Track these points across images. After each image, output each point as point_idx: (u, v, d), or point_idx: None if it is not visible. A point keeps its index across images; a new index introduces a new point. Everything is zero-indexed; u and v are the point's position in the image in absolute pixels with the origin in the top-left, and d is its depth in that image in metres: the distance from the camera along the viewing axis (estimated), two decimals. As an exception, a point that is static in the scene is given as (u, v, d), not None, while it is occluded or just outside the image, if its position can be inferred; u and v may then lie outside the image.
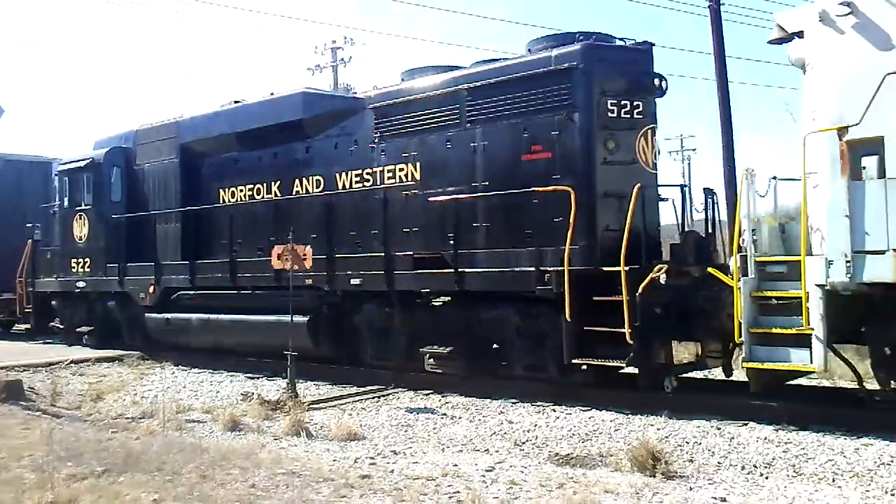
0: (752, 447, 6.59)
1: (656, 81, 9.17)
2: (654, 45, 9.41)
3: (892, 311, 6.90)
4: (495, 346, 9.70)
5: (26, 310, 16.65)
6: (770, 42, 7.82)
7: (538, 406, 8.68)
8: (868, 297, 6.98)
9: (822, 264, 6.93)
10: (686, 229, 9.36)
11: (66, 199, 15.54)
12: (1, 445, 6.84)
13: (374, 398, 9.76)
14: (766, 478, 5.91)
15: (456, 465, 6.23)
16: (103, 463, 6.10)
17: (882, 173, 6.72)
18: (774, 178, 7.99)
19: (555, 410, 8.43)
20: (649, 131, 9.17)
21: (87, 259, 14.99)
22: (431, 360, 10.18)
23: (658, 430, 7.40)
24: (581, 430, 7.59)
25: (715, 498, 5.36)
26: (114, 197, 14.63)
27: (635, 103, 9.04)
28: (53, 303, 15.97)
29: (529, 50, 10.02)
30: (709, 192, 9.27)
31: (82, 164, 15.13)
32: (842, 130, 6.86)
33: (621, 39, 9.64)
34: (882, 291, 6.83)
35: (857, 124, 6.76)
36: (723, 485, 5.70)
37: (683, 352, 9.07)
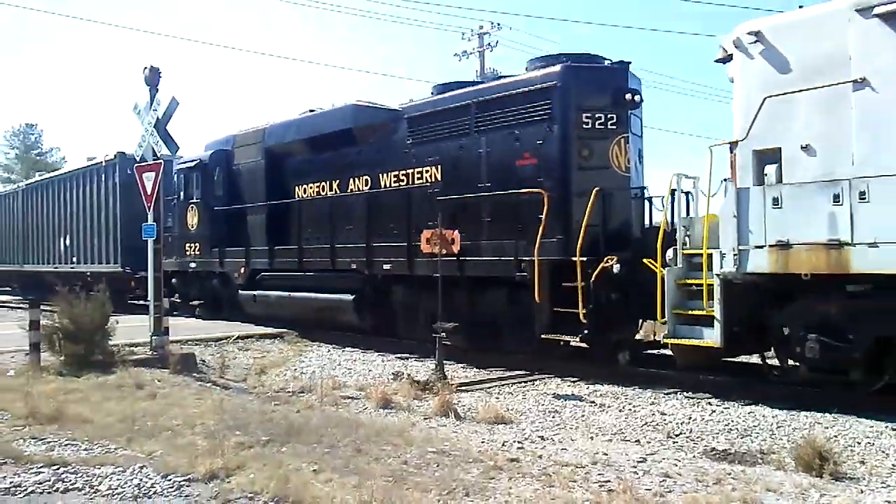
0: (936, 453, 6.03)
1: (628, 96, 10.41)
2: (630, 63, 10.80)
3: (781, 297, 8.10)
4: (489, 321, 11.23)
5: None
6: (715, 61, 8.83)
7: (693, 398, 8.39)
8: (757, 284, 8.16)
9: (718, 257, 8.23)
10: (649, 225, 10.44)
11: (181, 193, 18.16)
12: (177, 414, 7.38)
13: (520, 383, 9.77)
14: (951, 486, 5.39)
15: (606, 455, 6.10)
16: (267, 433, 6.44)
17: (779, 179, 7.89)
18: (725, 179, 8.62)
19: (710, 404, 8.11)
20: (622, 140, 10.46)
21: (198, 244, 17.65)
22: (442, 333, 10.98)
23: (826, 428, 6.97)
24: (740, 425, 7.24)
25: (889, 502, 4.95)
26: (217, 192, 17.13)
27: (608, 116, 10.43)
28: (173, 280, 18.01)
29: (527, 68, 11.54)
30: (672, 192, 9.84)
31: (192, 164, 17.84)
32: (733, 144, 8.30)
33: (606, 60, 11.04)
34: (766, 280, 8.04)
35: (743, 139, 8.14)
36: (899, 489, 5.26)
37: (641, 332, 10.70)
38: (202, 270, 17.51)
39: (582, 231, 9.67)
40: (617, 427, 7.31)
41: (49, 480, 5.22)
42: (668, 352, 9.28)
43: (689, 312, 8.68)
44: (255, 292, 15.60)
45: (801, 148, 7.76)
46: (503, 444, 6.46)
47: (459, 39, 34.66)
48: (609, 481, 5.27)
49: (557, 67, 10.65)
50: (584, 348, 10.59)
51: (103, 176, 23.73)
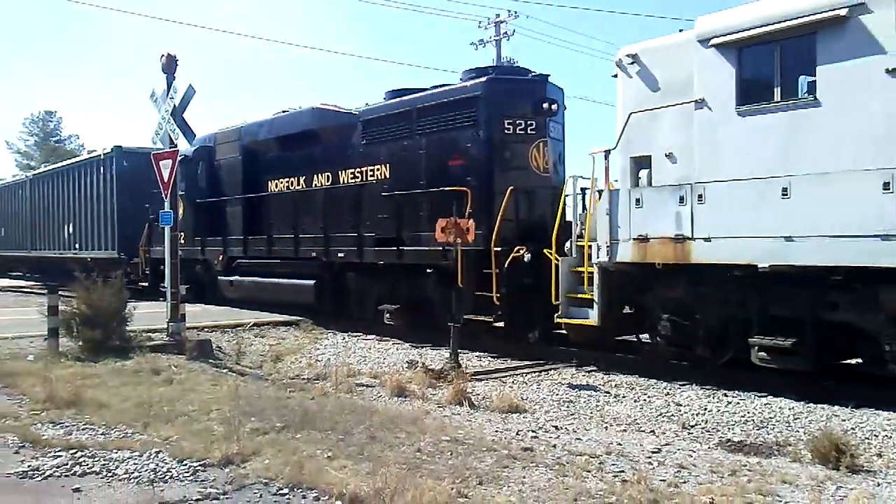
0: (955, 447, 5.97)
1: (545, 105, 11.52)
2: (548, 76, 12.18)
3: (645, 283, 9.42)
4: (426, 304, 12.55)
5: (146, 272, 20.63)
6: (612, 76, 9.77)
7: (708, 390, 8.35)
8: (626, 272, 9.34)
9: (596, 248, 9.54)
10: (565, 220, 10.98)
11: None
12: (193, 399, 7.44)
13: (534, 372, 9.76)
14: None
15: (620, 445, 6.09)
16: (283, 420, 6.48)
17: (650, 182, 9.17)
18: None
19: (726, 395, 8.07)
20: (541, 143, 11.70)
21: (182, 233, 17.61)
22: (387, 314, 13.27)
23: (843, 420, 6.93)
24: (756, 416, 7.20)
25: (906, 495, 4.91)
26: (200, 185, 18.37)
27: (528, 122, 11.65)
28: (161, 267, 18.56)
29: (461, 79, 12.77)
30: (584, 190, 10.59)
31: (178, 159, 17.34)
32: (606, 152, 9.64)
33: (530, 73, 12.36)
34: (632, 269, 9.25)
35: (614, 149, 9.54)
36: (917, 482, 5.21)
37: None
38: (186, 258, 17.63)
39: (497, 224, 10.96)
40: (631, 417, 7.29)
41: (67, 464, 5.28)
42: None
43: (578, 296, 9.88)
44: (232, 278, 16.98)
45: (665, 156, 9.02)
46: (517, 434, 6.45)
47: (476, 28, 34.48)
48: (623, 471, 5.26)
49: (483, 79, 11.98)
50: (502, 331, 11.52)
51: (102, 168, 25.14)
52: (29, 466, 5.23)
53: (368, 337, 13.06)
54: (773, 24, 7.96)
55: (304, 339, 12.93)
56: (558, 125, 12.37)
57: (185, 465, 5.26)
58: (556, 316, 10.10)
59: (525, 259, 10.56)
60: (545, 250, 10.36)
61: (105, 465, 5.28)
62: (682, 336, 9.15)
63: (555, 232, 10.26)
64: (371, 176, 13.79)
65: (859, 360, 8.48)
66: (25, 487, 4.88)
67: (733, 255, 8.23)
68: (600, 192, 9.78)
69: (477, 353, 11.09)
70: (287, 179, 15.92)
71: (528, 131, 11.71)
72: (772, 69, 8.07)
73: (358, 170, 14.04)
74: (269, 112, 17.37)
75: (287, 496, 4.65)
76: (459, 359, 9.74)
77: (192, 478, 5.02)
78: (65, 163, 32.31)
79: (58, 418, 6.67)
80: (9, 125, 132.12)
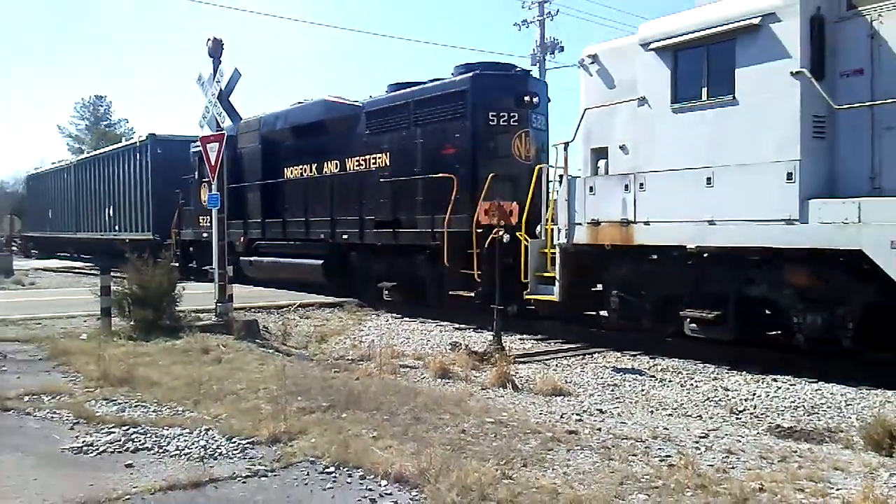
0: None
1: (527, 98, 12.65)
2: (530, 71, 13.84)
3: (602, 262, 10.33)
4: (419, 281, 13.68)
5: (176, 253, 21.48)
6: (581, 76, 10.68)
7: (756, 374, 8.21)
8: (584, 253, 10.24)
9: (556, 231, 10.54)
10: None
11: (196, 172, 20.49)
12: (241, 378, 7.57)
13: (578, 356, 9.71)
14: None
15: (666, 429, 6.02)
16: (328, 399, 6.55)
17: (607, 171, 10.18)
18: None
19: (776, 380, 7.92)
20: (523, 134, 12.63)
21: (209, 216, 18.82)
22: (386, 291, 14.48)
23: (897, 407, 6.72)
24: (806, 402, 7.06)
25: (965, 486, 4.76)
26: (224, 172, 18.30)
27: (511, 114, 12.65)
28: (190, 248, 21.40)
29: (452, 74, 13.58)
30: (560, 177, 11.02)
31: (199, 148, 19.10)
32: (565, 144, 10.68)
33: (515, 68, 13.58)
34: (587, 250, 10.19)
35: (571, 141, 10.64)
36: (977, 473, 5.04)
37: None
38: (212, 239, 18.73)
39: (478, 207, 11.44)
40: (678, 402, 7.20)
41: (120, 440, 5.41)
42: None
43: (545, 274, 10.87)
44: (252, 259, 18.17)
45: (619, 148, 9.99)
46: (561, 416, 6.42)
47: (520, 9, 34.13)
48: (669, 456, 5.20)
49: (470, 74, 12.92)
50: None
51: (138, 154, 26.98)
52: (83, 442, 5.38)
53: (412, 319, 13.12)
54: (702, 30, 8.82)
55: (348, 320, 13.05)
56: (541, 116, 13.25)
57: (234, 442, 5.35)
58: (525, 293, 11.06)
59: (504, 240, 10.97)
60: (518, 234, 11.04)
61: (157, 441, 5.40)
62: (630, 310, 10.07)
63: (524, 216, 10.95)
64: (373, 164, 14.77)
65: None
66: (81, 462, 5.02)
67: (667, 237, 9.20)
68: (562, 178, 10.67)
69: (520, 336, 11.08)
70: (300, 166, 17.02)
71: (511, 122, 12.68)
72: (701, 71, 8.91)
73: (362, 158, 15.05)
74: (294, 100, 18.48)
75: (333, 474, 4.70)
76: (502, 341, 9.72)
77: (240, 455, 5.11)
78: (105, 150, 34.39)
79: (111, 396, 6.85)
80: (61, 110, 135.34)
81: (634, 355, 9.55)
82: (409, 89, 14.33)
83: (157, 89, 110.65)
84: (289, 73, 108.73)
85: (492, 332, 9.89)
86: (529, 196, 11.24)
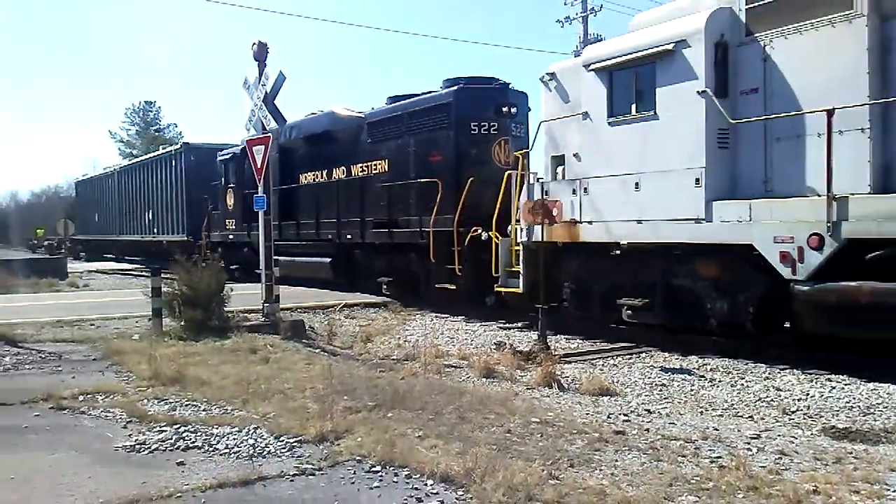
0: None
1: (505, 109, 13.97)
2: (509, 84, 14.61)
3: (557, 258, 11.25)
4: (413, 276, 15.16)
5: (206, 253, 21.84)
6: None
7: (810, 374, 8.01)
8: (544, 250, 10.65)
9: (519, 230, 11.72)
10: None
11: (222, 179, 22.89)
12: (288, 378, 7.65)
13: (625, 355, 9.58)
14: None
15: (717, 430, 5.91)
16: (374, 399, 6.58)
17: (564, 176, 11.34)
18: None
19: (830, 380, 7.72)
20: (503, 141, 13.85)
21: (234, 220, 22.38)
22: (384, 285, 15.83)
23: (959, 409, 6.49)
24: (862, 402, 6.85)
25: None
26: (244, 179, 20.82)
27: (491, 124, 13.97)
28: (219, 249, 21.87)
29: (440, 87, 14.84)
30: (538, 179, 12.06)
31: (229, 156, 22.59)
32: (522, 154, 12.06)
33: (497, 81, 14.56)
34: (545, 247, 10.68)
35: (530, 149, 12.08)
36: None
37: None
38: (237, 241, 22.15)
39: (458, 210, 13.26)
40: (728, 402, 7.05)
41: (171, 439, 5.51)
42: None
43: (512, 269, 12.04)
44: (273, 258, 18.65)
45: (573, 156, 11.09)
46: (608, 417, 6.35)
47: (562, 6, 33.91)
48: (720, 457, 5.10)
49: (454, 88, 14.28)
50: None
51: (173, 162, 29.37)
52: (136, 441, 5.49)
53: (456, 318, 13.13)
54: (631, 54, 10.00)
55: (392, 320, 13.11)
56: (520, 125, 14.37)
57: (282, 441, 5.41)
58: (496, 285, 12.29)
59: (482, 238, 12.58)
60: (490, 232, 12.51)
61: (207, 439, 5.49)
62: (581, 300, 11.18)
63: (495, 217, 12.44)
64: (374, 170, 16.26)
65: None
66: (134, 460, 5.13)
67: (605, 235, 10.46)
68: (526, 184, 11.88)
69: (566, 336, 10.99)
70: (312, 173, 18.59)
71: (491, 131, 13.93)
72: (630, 90, 10.08)
73: (364, 164, 16.58)
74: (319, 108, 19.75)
75: (380, 473, 4.72)
76: (548, 341, 9.66)
77: (288, 453, 5.17)
78: (144, 157, 37.26)
79: (162, 395, 6.99)
80: (112, 115, 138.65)
81: (683, 355, 9.39)
82: (403, 101, 15.77)
83: (204, 92, 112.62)
84: (336, 73, 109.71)
85: (536, 332, 9.84)
86: (499, 199, 12.44)
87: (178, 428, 5.79)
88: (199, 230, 25.25)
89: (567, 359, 9.25)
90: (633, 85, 10.05)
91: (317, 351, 9.94)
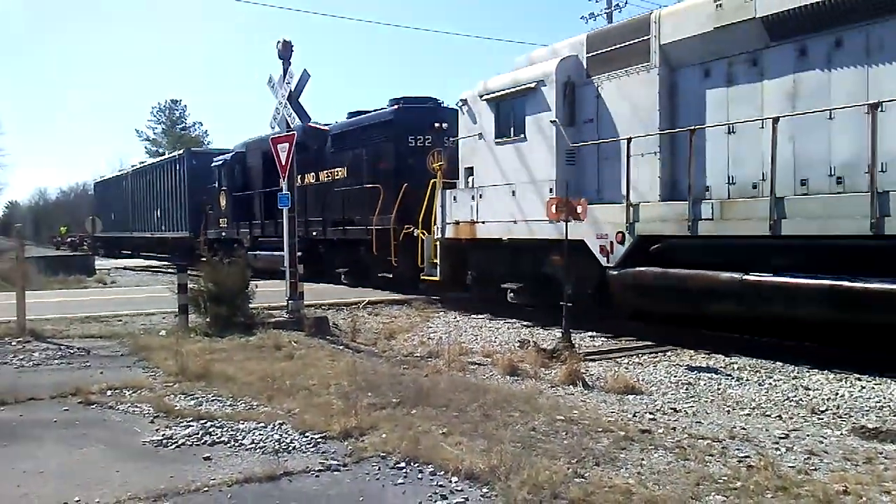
0: None
1: (437, 125, 16.38)
2: (441, 102, 17.46)
3: (464, 251, 13.91)
4: (364, 266, 17.78)
5: (205, 248, 25.10)
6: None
7: (839, 373, 7.89)
8: (455, 245, 13.91)
9: (437, 228, 14.38)
10: None
11: (216, 183, 25.58)
12: (313, 374, 7.67)
13: (650, 353, 9.51)
14: None
15: (744, 429, 5.84)
16: (398, 395, 6.58)
17: (472, 185, 13.58)
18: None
19: (860, 379, 7.60)
20: (436, 152, 15.27)
21: (225, 219, 25.18)
22: (343, 275, 18.61)
23: None
24: (892, 401, 6.74)
25: None
26: (236, 182, 24.19)
27: (426, 137, 16.51)
28: (214, 245, 24.71)
29: (386, 105, 17.67)
30: (441, 189, 14.46)
31: (222, 162, 25.33)
32: (439, 166, 14.63)
33: (431, 100, 17.47)
34: (455, 243, 13.89)
35: (443, 164, 14.72)
36: None
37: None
38: (228, 238, 24.91)
39: (395, 210, 15.99)
40: (756, 401, 6.97)
41: (197, 434, 5.55)
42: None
43: (434, 261, 14.44)
44: (256, 252, 21.82)
45: (474, 168, 13.57)
46: (634, 415, 6.31)
47: (586, 1, 33.69)
48: (748, 457, 5.04)
49: (395, 107, 17.12)
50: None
51: (177, 166, 32.57)
52: (163, 435, 5.54)
53: (479, 316, 13.12)
54: (510, 89, 12.52)
55: (415, 317, 13.12)
56: (452, 138, 15.46)
57: (307, 437, 5.43)
58: (421, 274, 14.75)
59: (414, 234, 15.16)
60: (418, 230, 15.04)
61: (233, 435, 5.52)
62: (481, 286, 13.71)
63: (421, 217, 14.94)
64: (336, 176, 18.92)
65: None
66: (161, 455, 5.17)
67: (493, 232, 12.96)
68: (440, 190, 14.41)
69: (590, 334, 10.93)
70: None
71: (426, 144, 16.33)
72: (510, 117, 12.59)
73: (329, 171, 19.32)
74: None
75: (404, 470, 4.72)
76: (572, 339, 9.60)
77: (313, 449, 5.18)
78: (153, 160, 41.54)
79: (189, 390, 7.05)
80: (139, 114, 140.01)
81: (709, 353, 9.30)
82: (359, 117, 18.63)
83: (229, 92, 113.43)
84: (364, 72, 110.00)
85: (560, 330, 9.78)
86: (425, 202, 14.84)
87: (205, 423, 5.83)
88: (199, 228, 28.17)
89: (591, 357, 9.20)
90: (511, 113, 12.57)
91: (340, 348, 9.97)
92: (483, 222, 13.09)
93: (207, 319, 10.81)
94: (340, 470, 4.78)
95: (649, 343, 10.12)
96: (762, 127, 9.13)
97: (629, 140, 10.35)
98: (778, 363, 8.54)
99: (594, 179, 11.38)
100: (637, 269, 10.19)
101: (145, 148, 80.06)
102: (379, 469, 4.76)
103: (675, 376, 8.09)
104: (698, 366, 8.63)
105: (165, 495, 4.30)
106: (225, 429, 5.67)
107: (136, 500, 4.24)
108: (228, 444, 5.33)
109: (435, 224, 14.40)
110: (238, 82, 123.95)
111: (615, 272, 10.52)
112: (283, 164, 12.13)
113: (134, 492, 4.35)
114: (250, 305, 11.26)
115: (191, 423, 5.83)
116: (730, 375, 8.10)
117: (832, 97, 8.57)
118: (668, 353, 9.45)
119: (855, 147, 8.26)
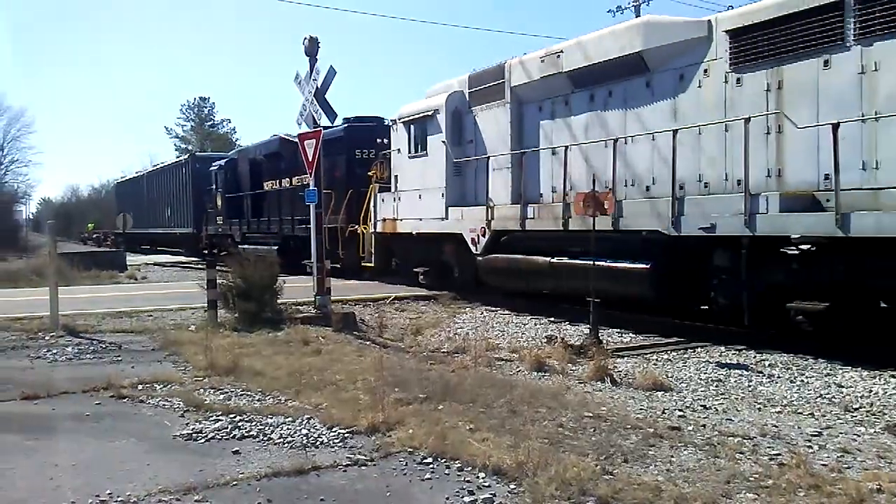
0: None
1: (379, 140, 19.44)
2: (383, 120, 20.49)
3: (392, 243, 17.77)
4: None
5: (205, 243, 30.26)
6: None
7: (873, 370, 7.75)
8: (386, 238, 17.71)
9: (372, 225, 17.95)
10: None
11: (214, 185, 29.28)
12: (340, 369, 7.71)
13: (679, 350, 9.41)
14: None
15: (776, 427, 5.75)
16: (424, 391, 6.57)
17: (398, 189, 16.91)
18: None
19: (894, 377, 7.46)
20: (380, 163, 18.12)
21: (221, 217, 28.70)
22: (308, 267, 18.60)
23: None
24: (929, 400, 6.60)
25: None
26: (230, 185, 27.77)
27: (370, 150, 19.89)
28: (213, 240, 28.91)
29: (341, 123, 20.34)
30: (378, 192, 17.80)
31: (217, 166, 29.31)
32: (372, 174, 18.10)
33: (379, 119, 21.02)
34: (385, 236, 17.64)
35: (374, 172, 18.06)
36: None
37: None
38: (223, 234, 28.50)
39: (342, 211, 19.25)
40: (787, 398, 6.86)
41: (226, 428, 5.60)
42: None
43: (371, 251, 18.01)
44: (244, 247, 24.04)
45: (401, 176, 16.75)
46: (663, 412, 6.25)
47: (613, -5, 33.40)
48: (780, 454, 4.97)
49: (346, 125, 20.57)
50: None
51: (184, 169, 37.13)
52: (193, 429, 5.59)
53: (506, 312, 13.07)
54: (417, 114, 15.95)
55: (442, 313, 13.11)
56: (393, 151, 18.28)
57: (335, 431, 5.45)
58: (362, 262, 18.25)
59: (358, 231, 18.59)
60: (359, 226, 18.61)
61: (261, 429, 5.56)
62: (403, 270, 17.47)
63: (362, 216, 18.48)
64: (304, 181, 19.97)
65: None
66: (191, 448, 5.23)
67: (408, 227, 16.30)
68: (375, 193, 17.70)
69: (618, 329, 10.84)
70: (271, 182, 24.75)
71: (371, 156, 19.54)
72: (419, 136, 15.93)
73: (299, 177, 21.32)
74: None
75: (431, 465, 4.72)
76: (599, 335, 9.54)
77: (341, 444, 5.20)
78: (165, 163, 45.74)
79: (218, 385, 7.11)
80: (168, 112, 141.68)
81: (739, 350, 9.18)
82: (327, 131, 20.75)
83: (260, 90, 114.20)
84: (388, 68, 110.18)
85: (588, 326, 9.72)
86: (366, 203, 18.27)
87: (234, 417, 5.88)
88: (201, 224, 31.86)
89: (620, 353, 9.13)
90: (420, 133, 15.89)
91: (367, 343, 10.00)
92: (402, 219, 16.52)
93: (236, 315, 10.90)
94: (368, 465, 4.79)
95: (679, 339, 10.02)
96: (570, 149, 12.33)
97: (488, 158, 14.10)
98: (810, 360, 8.42)
99: (472, 187, 14.85)
100: (492, 255, 13.70)
101: (175, 145, 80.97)
102: (406, 464, 4.76)
103: (704, 373, 8.00)
104: (728, 362, 8.52)
105: (195, 488, 4.34)
106: (254, 423, 5.72)
107: (166, 492, 4.29)
108: (257, 439, 5.37)
109: (370, 221, 17.86)
110: (265, 80, 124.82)
111: (480, 259, 14.03)
112: (311, 160, 12.18)
113: (164, 485, 4.40)
114: (278, 301, 11.33)
115: (220, 418, 5.89)
116: (761, 372, 8.00)
117: (609, 130, 11.81)
118: (698, 350, 9.35)
119: (619, 167, 11.41)
